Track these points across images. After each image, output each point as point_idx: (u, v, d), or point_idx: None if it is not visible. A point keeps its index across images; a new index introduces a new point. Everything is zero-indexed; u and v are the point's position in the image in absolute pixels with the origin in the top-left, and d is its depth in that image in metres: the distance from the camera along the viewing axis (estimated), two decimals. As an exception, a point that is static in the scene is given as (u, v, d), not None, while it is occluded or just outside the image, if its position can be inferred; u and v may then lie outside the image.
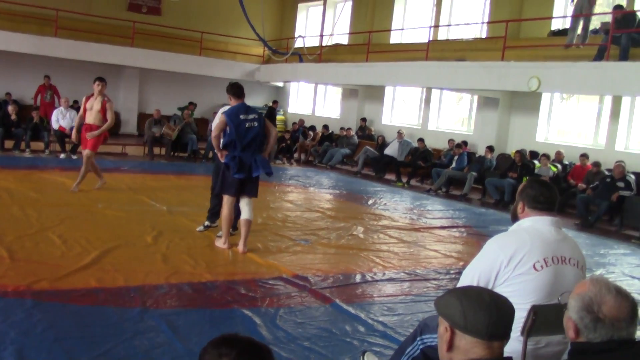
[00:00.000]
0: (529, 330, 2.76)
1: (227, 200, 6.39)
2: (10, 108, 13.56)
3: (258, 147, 6.30)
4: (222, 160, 6.26)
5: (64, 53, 16.76)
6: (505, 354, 1.85)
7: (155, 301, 4.70)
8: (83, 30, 17.31)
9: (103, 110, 8.81)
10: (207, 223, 7.24)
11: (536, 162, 12.29)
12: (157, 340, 3.95)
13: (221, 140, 6.26)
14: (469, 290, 1.93)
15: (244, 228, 6.38)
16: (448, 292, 1.95)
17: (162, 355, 3.73)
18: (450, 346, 1.85)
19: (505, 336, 1.85)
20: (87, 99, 8.92)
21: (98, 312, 4.39)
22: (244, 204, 6.41)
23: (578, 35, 12.19)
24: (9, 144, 13.16)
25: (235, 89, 6.32)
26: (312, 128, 18.11)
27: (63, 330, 3.98)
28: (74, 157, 12.58)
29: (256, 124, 6.21)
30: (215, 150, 6.44)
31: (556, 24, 14.17)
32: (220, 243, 6.54)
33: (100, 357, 3.61)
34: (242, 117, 6.13)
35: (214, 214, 7.18)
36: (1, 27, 16.22)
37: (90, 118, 8.82)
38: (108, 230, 6.82)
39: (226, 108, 6.69)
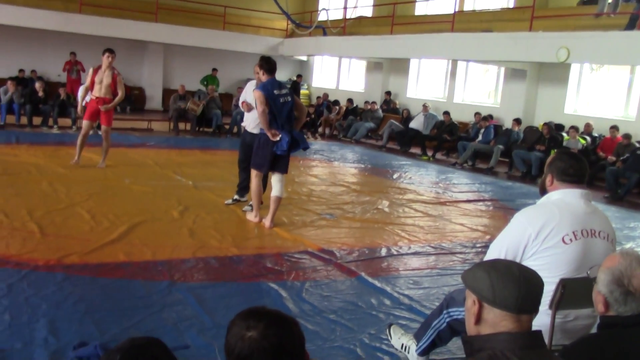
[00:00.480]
0: (558, 304, 2.74)
1: (255, 174, 6.39)
2: (37, 85, 13.71)
3: (292, 122, 6.24)
4: (274, 139, 6.04)
5: (89, 29, 16.83)
6: (534, 328, 1.83)
7: (183, 275, 4.76)
8: (107, 7, 17.35)
9: (114, 84, 8.79)
10: (235, 197, 7.28)
11: (564, 134, 12.09)
12: (185, 313, 4.00)
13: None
14: (497, 263, 1.91)
15: (273, 205, 6.37)
16: (476, 265, 1.93)
17: (190, 328, 3.78)
18: (478, 319, 1.83)
19: (534, 310, 1.83)
20: (96, 71, 8.79)
21: (127, 285, 4.46)
22: (276, 181, 6.37)
23: (609, 3, 11.89)
24: (37, 120, 13.33)
25: (270, 64, 6.20)
26: (336, 102, 18.01)
27: (93, 303, 4.05)
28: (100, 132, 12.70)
29: (289, 98, 6.14)
30: (265, 129, 6.09)
31: (586, -8, 13.81)
32: (252, 216, 6.58)
33: (130, 329, 3.67)
34: (276, 92, 6.04)
35: (242, 188, 7.21)
36: (27, 4, 16.34)
37: (102, 91, 8.75)
38: (135, 205, 6.90)
39: (254, 82, 6.66)
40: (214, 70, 18.52)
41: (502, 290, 1.78)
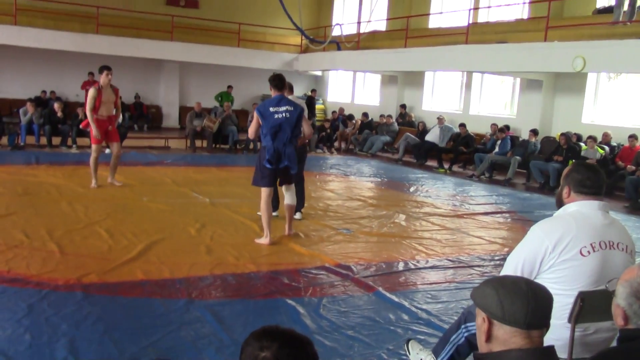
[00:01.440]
0: (577, 317, 2.70)
1: (262, 191, 6.38)
2: (56, 105, 13.90)
3: (289, 138, 6.21)
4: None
5: (106, 49, 17.08)
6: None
7: (201, 292, 4.77)
8: (123, 27, 17.61)
9: (117, 100, 8.91)
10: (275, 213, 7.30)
11: (582, 144, 11.99)
12: (203, 331, 4.01)
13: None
14: (505, 279, 1.90)
15: (288, 212, 6.61)
16: (484, 282, 1.92)
17: (208, 346, 3.78)
18: (489, 337, 1.82)
19: (544, 325, 1.81)
20: (100, 92, 8.59)
21: (145, 303, 4.48)
22: (285, 190, 6.59)
23: (624, 12, 11.81)
24: (56, 140, 13.49)
25: (276, 81, 6.32)
26: (351, 117, 18.02)
27: (112, 322, 4.07)
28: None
29: (288, 115, 6.16)
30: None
31: (601, 1, 13.75)
32: (262, 240, 6.36)
33: (148, 347, 3.68)
34: (272, 109, 6.13)
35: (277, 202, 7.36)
36: (45, 26, 16.65)
37: (110, 110, 8.76)
38: (153, 223, 6.95)
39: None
40: (229, 87, 18.64)
41: (511, 306, 1.76)
